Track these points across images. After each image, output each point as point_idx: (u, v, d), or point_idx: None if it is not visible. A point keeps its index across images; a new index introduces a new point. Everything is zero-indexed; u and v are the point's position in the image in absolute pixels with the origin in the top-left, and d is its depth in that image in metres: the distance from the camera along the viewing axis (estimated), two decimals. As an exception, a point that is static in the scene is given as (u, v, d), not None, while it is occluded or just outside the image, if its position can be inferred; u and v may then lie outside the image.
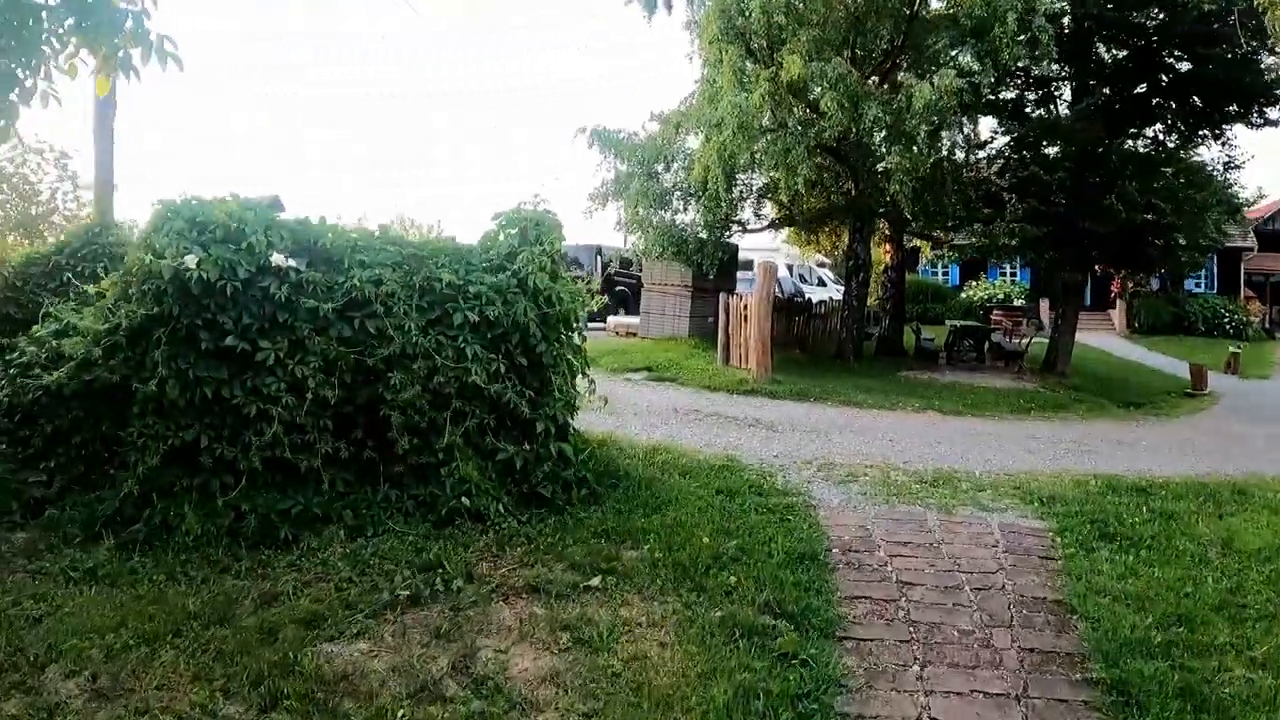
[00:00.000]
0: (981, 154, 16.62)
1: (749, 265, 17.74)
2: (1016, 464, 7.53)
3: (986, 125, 16.67)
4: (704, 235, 14.64)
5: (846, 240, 16.95)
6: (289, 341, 4.89)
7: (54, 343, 5.41)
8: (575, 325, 5.95)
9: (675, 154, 14.77)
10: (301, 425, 4.83)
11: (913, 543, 5.03)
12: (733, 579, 4.26)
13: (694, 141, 14.45)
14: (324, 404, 4.91)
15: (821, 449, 7.65)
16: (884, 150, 12.55)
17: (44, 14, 3.33)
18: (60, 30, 3.33)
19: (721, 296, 13.80)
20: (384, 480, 5.18)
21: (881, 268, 20.07)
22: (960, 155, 15.46)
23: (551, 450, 5.47)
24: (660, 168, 15.27)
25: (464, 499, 5.05)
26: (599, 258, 22.47)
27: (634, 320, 18.55)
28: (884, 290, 17.94)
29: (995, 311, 23.93)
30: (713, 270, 15.01)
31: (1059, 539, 5.19)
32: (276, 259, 5.02)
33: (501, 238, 5.93)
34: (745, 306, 12.52)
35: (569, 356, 5.84)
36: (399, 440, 5.04)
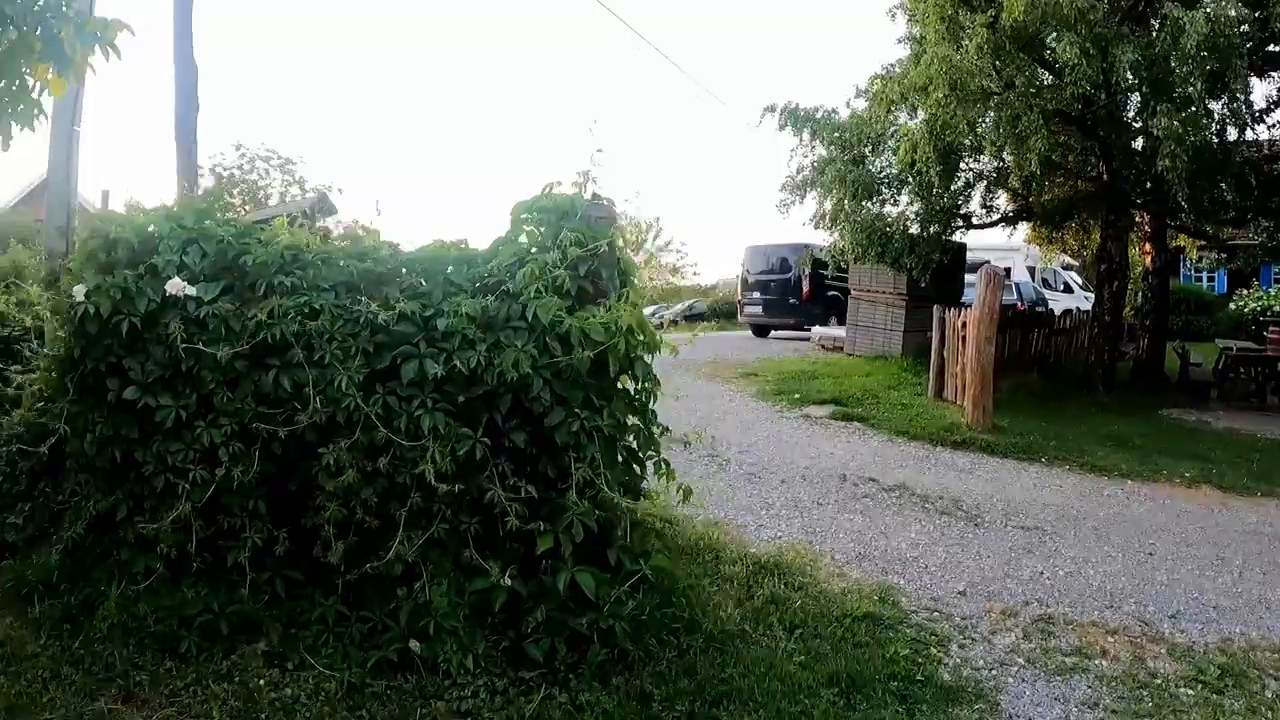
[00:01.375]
0: (1263, 128, 12.07)
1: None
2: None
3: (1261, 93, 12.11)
4: (915, 231, 11.80)
5: (1097, 238, 13.24)
6: (196, 396, 3.62)
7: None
8: (633, 377, 3.93)
9: (886, 133, 12.07)
10: (227, 505, 3.57)
11: None
12: None
13: (908, 119, 11.70)
14: (259, 480, 3.54)
15: (1039, 573, 4.95)
16: (1145, 114, 9.03)
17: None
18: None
19: (936, 310, 10.98)
20: (340, 590, 3.60)
21: (1139, 272, 15.78)
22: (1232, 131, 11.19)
23: (559, 583, 3.49)
24: (868, 151, 12.65)
25: (414, 641, 3.37)
26: (807, 258, 19.89)
27: (840, 332, 15.93)
28: (1142, 300, 13.80)
29: (1272, 328, 17.93)
30: (924, 274, 12.13)
31: None
32: (172, 286, 3.62)
33: (523, 239, 4.05)
34: (963, 325, 9.69)
35: (611, 429, 3.80)
36: (333, 543, 3.45)
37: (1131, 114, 10.26)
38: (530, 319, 3.61)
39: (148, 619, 3.47)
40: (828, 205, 12.99)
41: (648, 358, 3.97)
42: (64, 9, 3.35)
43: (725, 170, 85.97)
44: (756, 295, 20.68)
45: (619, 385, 3.99)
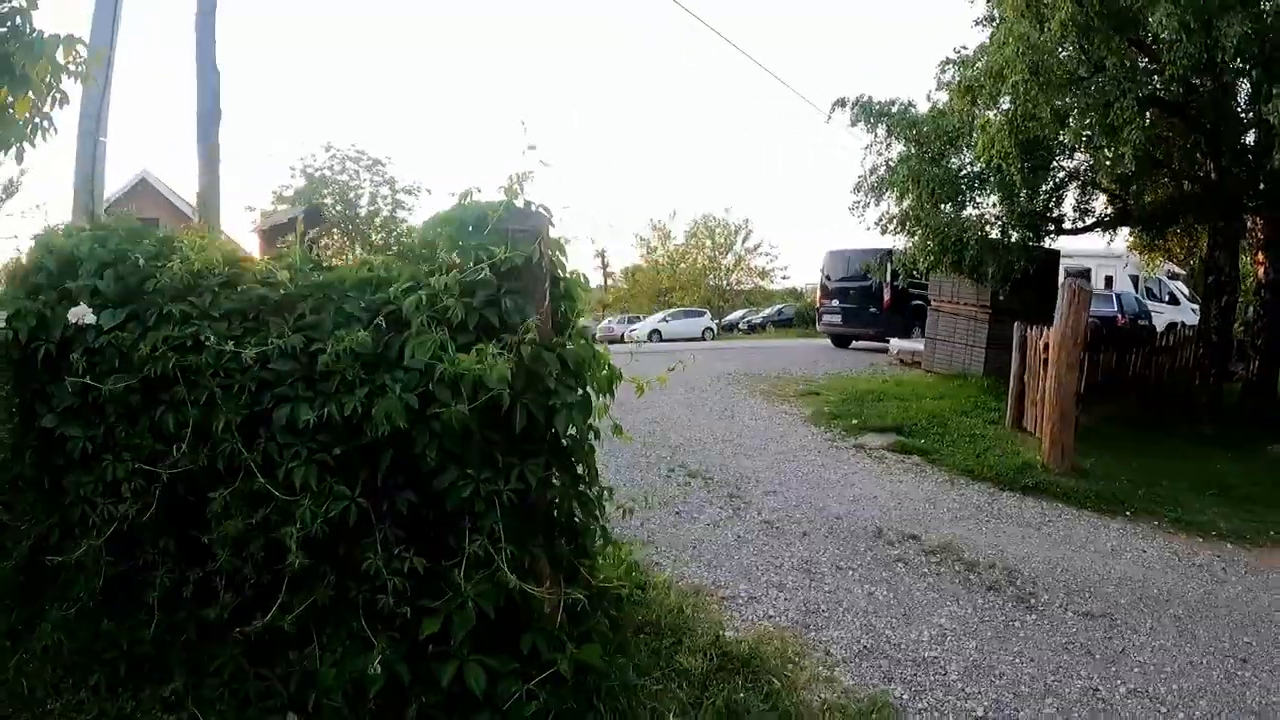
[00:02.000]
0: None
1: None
2: None
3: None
4: (996, 236, 10.53)
5: (1204, 246, 11.56)
6: (104, 428, 3.28)
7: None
8: (570, 433, 3.22)
9: (965, 127, 10.85)
10: (140, 540, 3.27)
11: None
12: None
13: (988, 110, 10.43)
14: (166, 518, 3.20)
15: (1092, 689, 3.83)
16: (1257, 101, 7.52)
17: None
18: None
19: (1016, 328, 9.73)
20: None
21: (1250, 284, 13.82)
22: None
23: (445, 674, 2.82)
24: (947, 147, 11.46)
25: (291, 714, 2.99)
26: (888, 264, 18.54)
27: (921, 346, 14.64)
28: (1253, 315, 11.99)
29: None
30: (1003, 285, 10.83)
31: None
32: (74, 314, 3.26)
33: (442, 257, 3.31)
34: (1045, 346, 8.44)
35: (516, 493, 3.02)
36: (220, 594, 3.13)
37: (1242, 102, 8.74)
38: (408, 359, 2.93)
39: (67, 647, 3.31)
40: (904, 206, 11.86)
41: (599, 400, 3.23)
42: (19, 26, 3.34)
43: (818, 171, 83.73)
44: (835, 303, 19.46)
45: (551, 436, 3.25)
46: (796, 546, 5.61)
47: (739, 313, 46.25)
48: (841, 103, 12.75)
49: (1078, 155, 10.28)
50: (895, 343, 15.87)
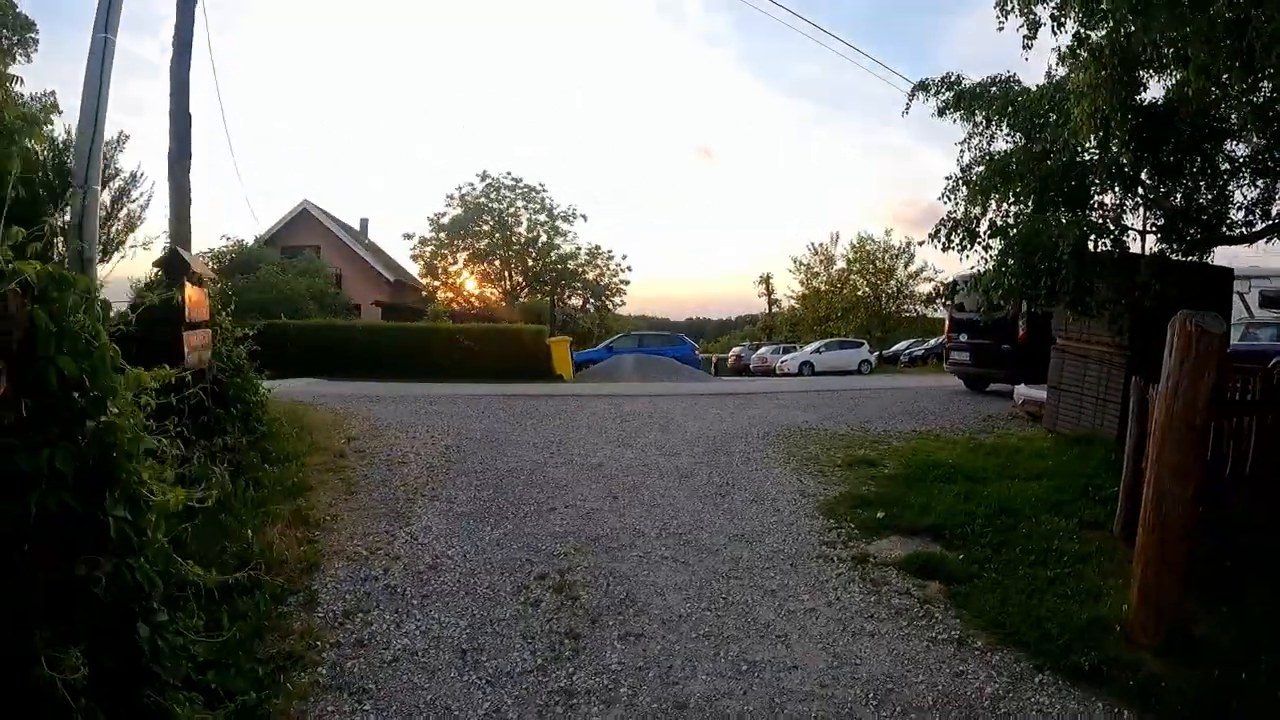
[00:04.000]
0: None
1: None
2: None
3: None
4: (1108, 246, 7.34)
5: None
6: None
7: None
8: None
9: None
10: None
11: None
12: None
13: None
14: None
15: None
16: None
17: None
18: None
19: (1134, 385, 6.57)
20: None
21: None
22: None
23: None
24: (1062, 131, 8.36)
25: None
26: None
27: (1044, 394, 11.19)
28: None
29: None
30: (1117, 320, 7.55)
31: None
32: None
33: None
34: (1165, 414, 5.28)
35: None
36: None
37: None
38: None
39: None
40: (1005, 209, 8.92)
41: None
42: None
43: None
44: (964, 338, 16.03)
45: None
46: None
47: (903, 344, 42.04)
48: (924, 87, 9.89)
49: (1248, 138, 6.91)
50: (1021, 390, 12.40)
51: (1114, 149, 6.10)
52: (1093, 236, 7.27)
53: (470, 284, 45.43)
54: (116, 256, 16.62)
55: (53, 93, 13.98)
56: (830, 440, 10.05)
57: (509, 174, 44.31)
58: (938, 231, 8.59)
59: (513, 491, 7.66)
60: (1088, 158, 8.27)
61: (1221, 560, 5.27)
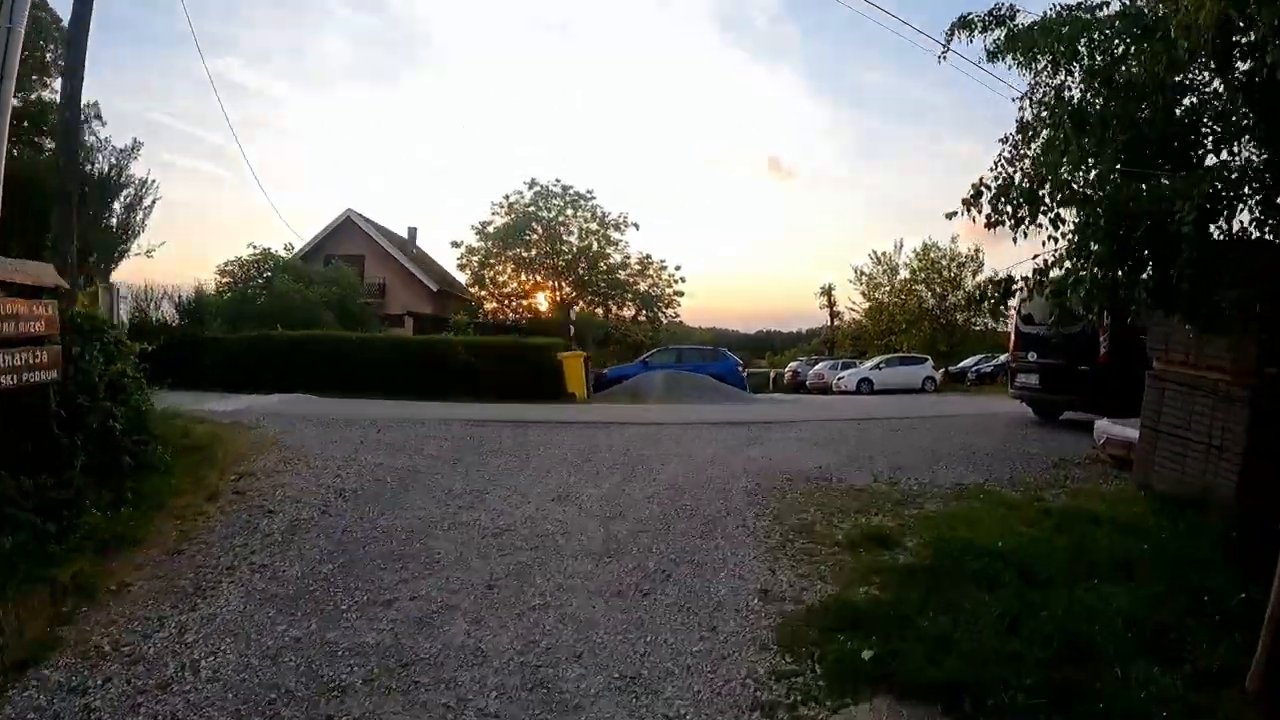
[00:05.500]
0: None
1: None
2: None
3: None
4: (1232, 223, 4.80)
5: None
6: None
7: None
8: None
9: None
10: None
11: None
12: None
13: None
14: None
15: None
16: None
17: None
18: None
19: None
20: None
21: None
22: None
23: None
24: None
25: None
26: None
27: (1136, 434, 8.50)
28: None
29: None
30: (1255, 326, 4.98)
31: None
32: None
33: None
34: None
35: None
36: None
37: None
38: None
39: None
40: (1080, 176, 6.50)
41: None
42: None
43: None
44: (1033, 357, 13.28)
45: None
46: None
47: (971, 359, 38.71)
48: (966, 24, 7.42)
49: None
50: (1103, 425, 9.64)
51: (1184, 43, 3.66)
52: (1222, 208, 4.72)
53: (518, 294, 43.80)
54: None
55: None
56: (841, 498, 7.57)
57: (557, 181, 42.60)
58: (978, 194, 6.10)
59: (363, 566, 5.56)
60: (1189, 101, 5.80)
61: None
